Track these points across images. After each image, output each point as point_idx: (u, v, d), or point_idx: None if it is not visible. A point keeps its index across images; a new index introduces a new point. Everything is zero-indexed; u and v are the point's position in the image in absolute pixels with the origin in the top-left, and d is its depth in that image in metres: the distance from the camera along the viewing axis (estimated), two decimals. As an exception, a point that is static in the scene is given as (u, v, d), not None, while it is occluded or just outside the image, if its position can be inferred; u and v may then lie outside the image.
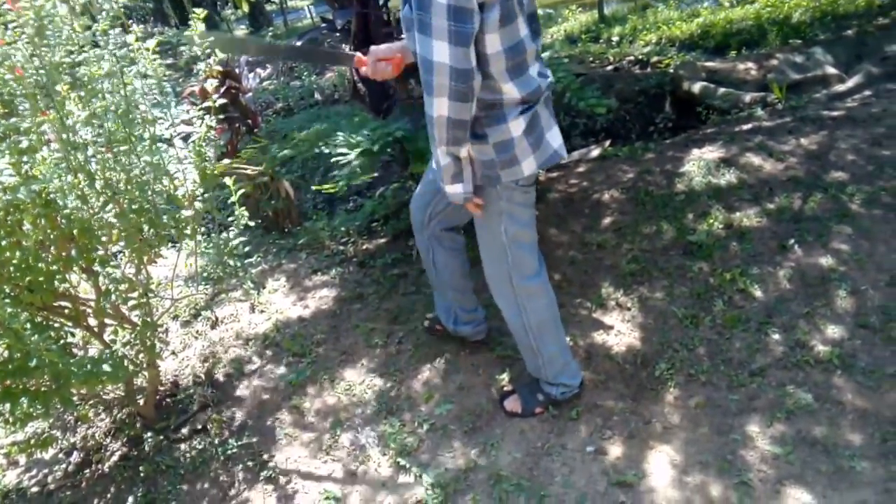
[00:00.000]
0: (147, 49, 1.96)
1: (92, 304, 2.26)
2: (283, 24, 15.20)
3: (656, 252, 2.93)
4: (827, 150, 3.44)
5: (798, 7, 6.82)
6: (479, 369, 2.53)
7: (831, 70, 5.20)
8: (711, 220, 3.02)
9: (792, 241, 2.80)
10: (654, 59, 6.21)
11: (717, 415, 2.16)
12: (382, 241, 3.51)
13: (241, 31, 16.62)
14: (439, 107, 1.62)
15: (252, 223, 2.50)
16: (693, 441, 2.09)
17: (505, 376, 2.46)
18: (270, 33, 13.41)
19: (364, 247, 3.51)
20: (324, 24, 3.01)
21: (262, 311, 3.13)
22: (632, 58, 6.65)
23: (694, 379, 2.30)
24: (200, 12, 2.01)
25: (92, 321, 2.33)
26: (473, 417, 2.33)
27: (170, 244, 2.67)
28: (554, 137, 1.88)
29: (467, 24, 1.53)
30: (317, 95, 7.62)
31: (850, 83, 4.99)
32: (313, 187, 3.73)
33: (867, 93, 4.74)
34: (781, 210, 3.01)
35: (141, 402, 2.56)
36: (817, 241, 2.77)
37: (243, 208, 2.38)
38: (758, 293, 2.59)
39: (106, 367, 2.03)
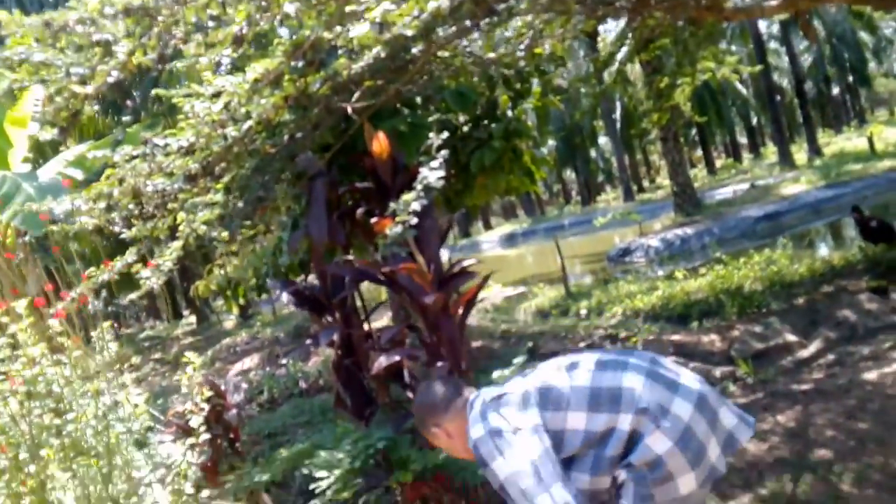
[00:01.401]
0: (131, 399, 2.06)
1: None
2: (271, 312, 15.91)
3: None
4: (805, 426, 3.50)
5: (747, 277, 7.42)
6: None
7: (791, 337, 5.50)
8: (707, 513, 2.94)
9: (793, 533, 2.71)
10: (623, 333, 6.53)
11: None
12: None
13: (230, 321, 17.31)
14: None
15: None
16: None
17: None
18: (258, 322, 13.96)
19: (349, 563, 3.28)
20: (309, 341, 3.22)
21: None
22: (602, 331, 6.98)
23: None
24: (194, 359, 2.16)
25: None
26: None
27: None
28: None
29: None
30: (301, 384, 7.71)
31: (812, 349, 5.25)
32: None
33: (831, 357, 4.97)
34: (775, 496, 2.96)
35: None
36: (818, 532, 2.68)
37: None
38: None
39: None
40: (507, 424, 1.77)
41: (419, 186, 2.46)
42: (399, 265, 2.86)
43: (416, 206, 2.41)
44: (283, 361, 8.78)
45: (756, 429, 3.56)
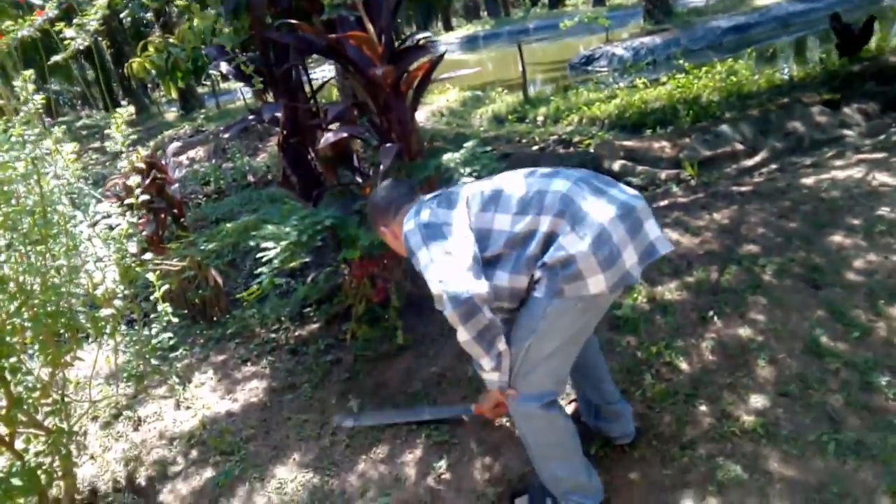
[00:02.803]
0: (63, 151, 1.93)
1: (2, 412, 2.12)
2: (215, 106, 15.27)
3: (586, 328, 3.00)
4: (739, 223, 3.65)
5: (706, 87, 7.35)
6: (415, 457, 2.48)
7: (739, 146, 5.59)
8: (636, 295, 3.13)
9: (711, 312, 2.92)
10: (577, 138, 6.52)
11: (653, 492, 2.18)
12: (315, 326, 3.47)
13: (172, 113, 16.59)
14: None
15: (176, 318, 2.43)
16: (631, 521, 2.09)
17: (442, 463, 2.41)
18: (202, 115, 13.41)
19: (296, 333, 3.45)
20: (251, 116, 3.06)
21: (188, 408, 3.01)
22: (556, 137, 6.96)
23: (628, 456, 2.32)
24: (124, 110, 2.01)
25: (2, 429, 2.19)
26: (411, 510, 2.26)
27: (90, 341, 2.57)
28: None
29: None
30: (249, 177, 7.60)
31: (758, 158, 5.37)
32: (236, 295, 3.69)
33: (773, 166, 5.11)
34: (700, 283, 3.15)
35: (55, 514, 2.38)
36: (735, 313, 2.90)
37: (167, 304, 2.32)
38: (683, 365, 2.67)
39: (16, 482, 1.90)
40: (437, 219, 1.87)
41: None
42: (347, 34, 2.65)
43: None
44: (230, 156, 8.58)
45: (691, 225, 3.73)
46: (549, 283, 1.77)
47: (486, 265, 1.83)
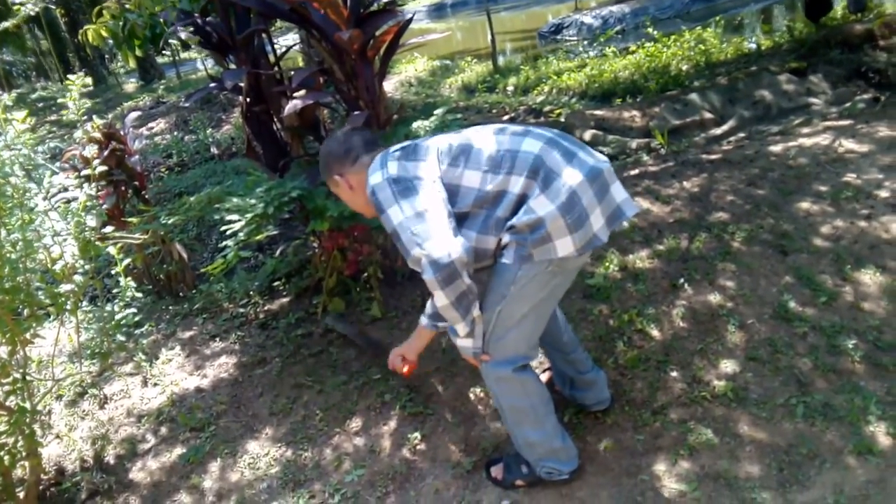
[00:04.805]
0: (14, 119, 1.83)
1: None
2: (176, 76, 14.83)
3: (559, 297, 2.99)
4: (708, 191, 3.67)
5: (675, 56, 7.35)
6: (389, 429, 2.47)
7: (708, 115, 5.61)
8: (607, 264, 3.13)
9: (682, 280, 2.94)
10: (547, 108, 6.48)
11: (626, 456, 2.20)
12: (285, 300, 3.41)
13: (131, 84, 16.07)
14: None
15: (140, 294, 2.35)
16: (604, 485, 2.11)
17: (417, 435, 2.40)
18: (163, 86, 13.02)
19: (266, 307, 3.39)
20: (213, 83, 2.94)
21: (155, 385, 2.94)
22: (526, 107, 6.91)
23: (601, 422, 2.34)
24: (77, 76, 1.91)
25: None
26: (386, 481, 2.26)
27: (51, 318, 2.48)
28: None
29: None
30: (213, 150, 7.41)
31: (726, 126, 5.39)
32: (201, 269, 3.59)
33: (741, 135, 5.14)
34: (671, 251, 3.17)
35: (21, 495, 2.32)
36: (705, 279, 2.92)
37: (129, 278, 2.24)
38: (655, 332, 2.69)
39: (-26, 464, 1.83)
40: (407, 173, 1.80)
41: None
42: (311, -3, 2.55)
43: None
44: (192, 128, 8.35)
45: (662, 193, 3.74)
46: (518, 247, 1.76)
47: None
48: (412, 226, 1.71)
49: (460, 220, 1.79)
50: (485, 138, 1.85)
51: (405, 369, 2.17)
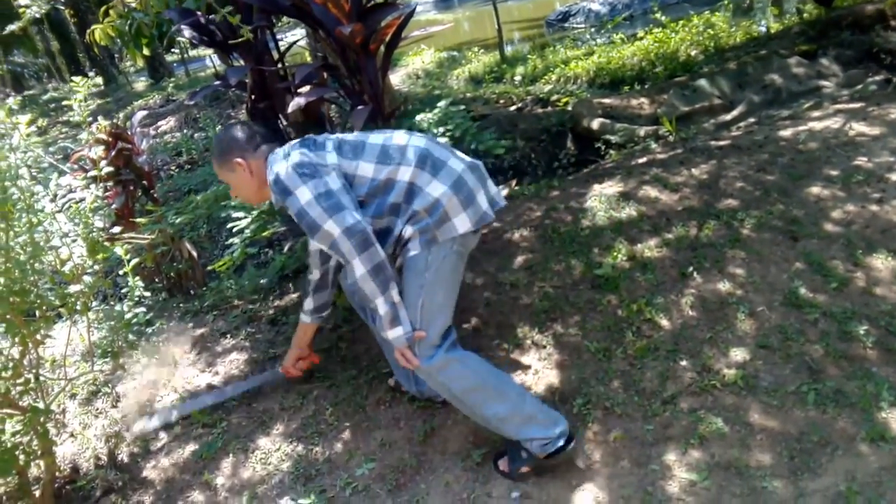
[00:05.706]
0: (19, 122, 1.85)
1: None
2: (185, 74, 14.90)
3: (567, 288, 2.99)
4: (717, 178, 3.63)
5: (683, 41, 7.28)
6: (399, 422, 2.48)
7: (717, 100, 5.56)
8: (616, 253, 3.11)
9: (691, 268, 2.91)
10: (554, 97, 6.45)
11: (636, 446, 2.19)
12: (295, 296, 3.42)
13: (140, 82, 16.16)
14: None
15: (149, 293, 2.37)
16: (614, 475, 2.11)
17: (426, 428, 2.41)
18: (172, 84, 13.08)
19: (275, 303, 3.41)
20: (217, 81, 2.95)
21: (167, 382, 2.96)
22: (533, 97, 6.88)
23: (610, 412, 2.33)
24: (83, 78, 1.93)
25: (-26, 411, 2.14)
26: (397, 474, 2.27)
27: (62, 319, 2.50)
28: None
29: None
30: (223, 147, 7.45)
31: (735, 112, 5.35)
32: (209, 267, 3.62)
33: (751, 120, 5.09)
34: (679, 239, 3.14)
35: (37, 493, 2.36)
36: (714, 267, 2.90)
37: (138, 278, 2.26)
38: (664, 322, 2.68)
39: (-8, 463, 1.86)
40: (311, 160, 1.97)
41: None
42: (313, -8, 2.54)
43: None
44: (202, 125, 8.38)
45: (670, 181, 3.71)
46: (421, 235, 1.96)
47: None
48: (322, 202, 1.87)
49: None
50: (376, 137, 2.08)
51: (304, 366, 2.47)
